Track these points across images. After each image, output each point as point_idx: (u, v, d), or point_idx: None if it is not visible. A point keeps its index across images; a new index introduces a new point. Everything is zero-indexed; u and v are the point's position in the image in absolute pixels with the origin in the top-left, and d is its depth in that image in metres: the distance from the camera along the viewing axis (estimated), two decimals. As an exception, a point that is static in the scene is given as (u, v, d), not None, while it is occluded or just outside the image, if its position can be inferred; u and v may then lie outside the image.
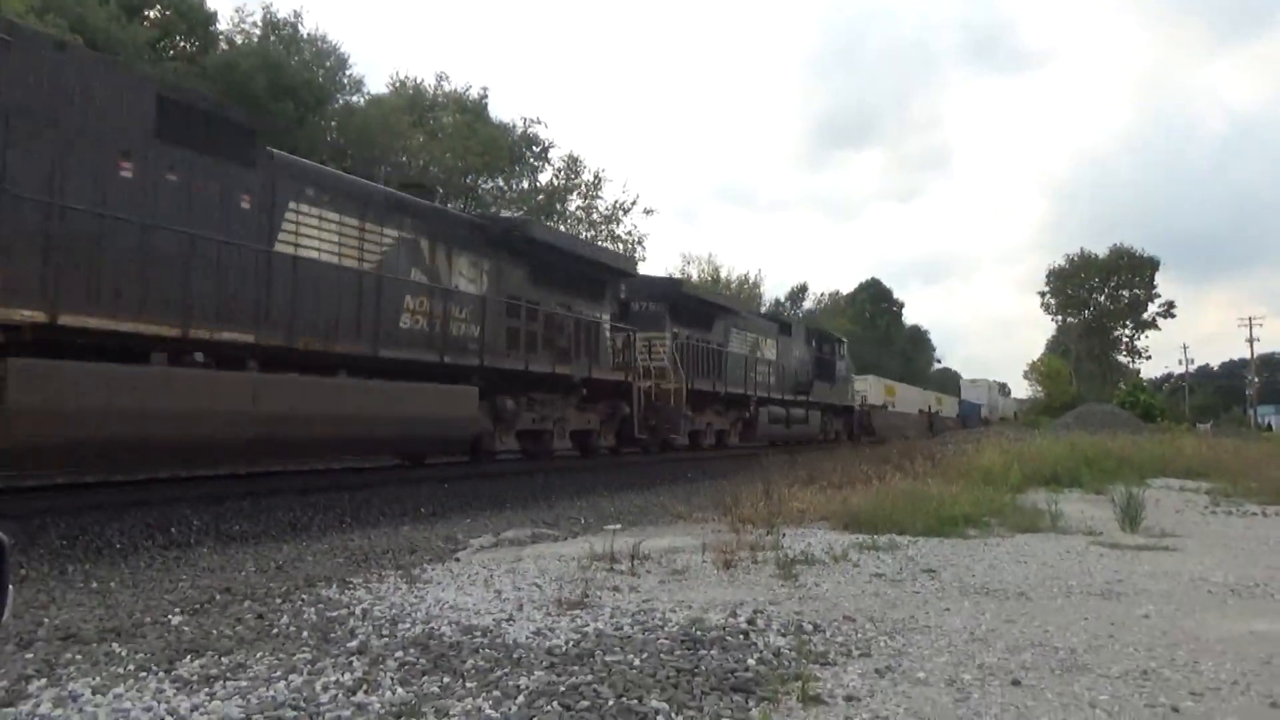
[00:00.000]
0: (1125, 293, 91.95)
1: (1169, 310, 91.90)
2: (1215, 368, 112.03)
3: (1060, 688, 4.03)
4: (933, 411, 53.36)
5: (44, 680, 4.06)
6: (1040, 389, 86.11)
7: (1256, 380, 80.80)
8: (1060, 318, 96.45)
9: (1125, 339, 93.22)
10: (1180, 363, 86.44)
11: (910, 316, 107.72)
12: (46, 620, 5.34)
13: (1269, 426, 69.42)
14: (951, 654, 4.60)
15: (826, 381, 32.47)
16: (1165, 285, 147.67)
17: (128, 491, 10.04)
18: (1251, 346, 77.52)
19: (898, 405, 42.55)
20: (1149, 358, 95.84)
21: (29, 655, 4.49)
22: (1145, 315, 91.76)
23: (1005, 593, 6.28)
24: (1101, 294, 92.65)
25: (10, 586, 1.27)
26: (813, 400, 30.84)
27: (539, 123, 46.45)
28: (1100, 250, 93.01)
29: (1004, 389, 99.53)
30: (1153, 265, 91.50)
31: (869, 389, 37.65)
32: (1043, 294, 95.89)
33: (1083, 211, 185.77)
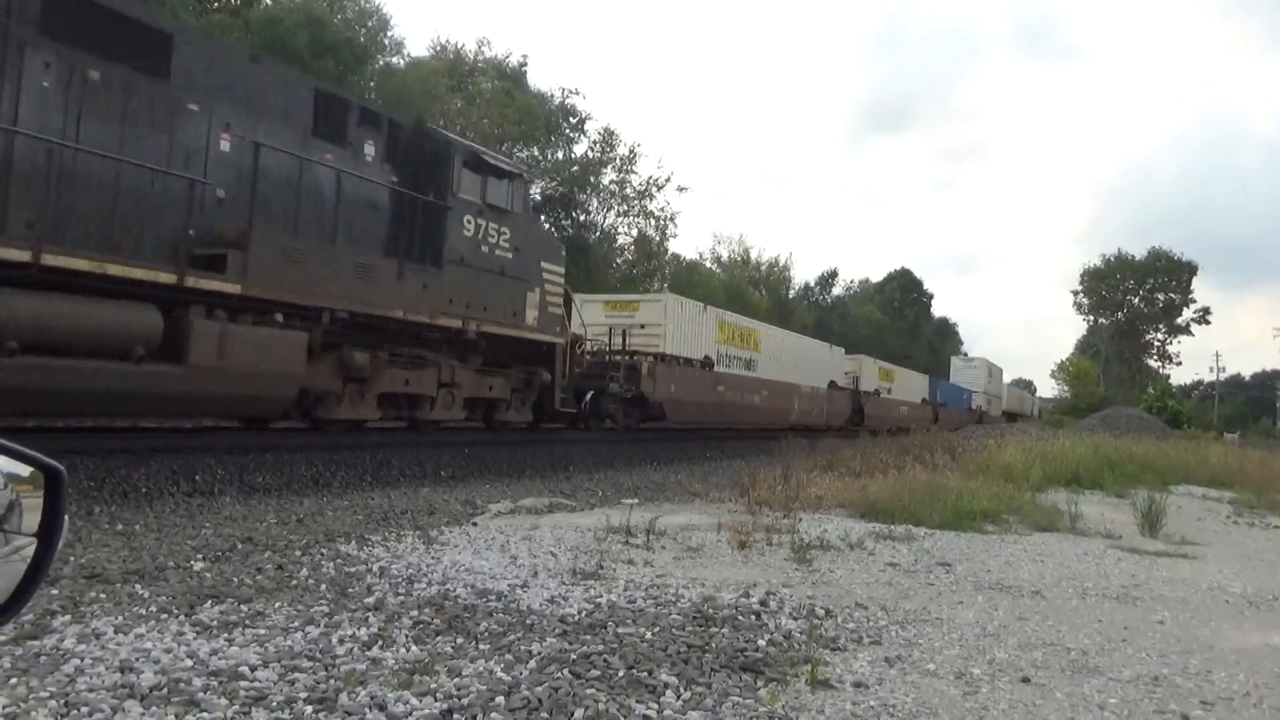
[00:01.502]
0: (1160, 296, 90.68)
1: (1204, 316, 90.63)
2: (1247, 377, 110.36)
3: (1070, 688, 4.02)
4: (939, 402, 47.98)
5: (68, 616, 4.16)
6: (1067, 389, 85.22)
7: (1288, 392, 79.51)
8: (1092, 318, 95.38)
9: (1157, 343, 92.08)
10: (1211, 370, 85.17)
11: (939, 308, 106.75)
12: (72, 559, 5.46)
13: (1298, 440, 68.38)
14: (962, 647, 4.60)
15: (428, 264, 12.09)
16: (1202, 290, 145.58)
17: (154, 438, 10.19)
18: (1286, 358, 76.20)
19: (895, 392, 37.64)
20: (1180, 363, 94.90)
21: (54, 591, 4.59)
22: (1179, 320, 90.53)
23: (1020, 590, 6.26)
24: (1136, 296, 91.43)
25: (65, 516, 1.30)
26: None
27: (577, 94, 46.46)
28: (1138, 252, 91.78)
29: (1028, 386, 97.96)
30: (1190, 270, 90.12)
31: (861, 370, 33.39)
32: (1076, 293, 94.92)
33: (1123, 210, 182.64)
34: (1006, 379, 67.17)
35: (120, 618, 4.18)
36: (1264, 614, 6.03)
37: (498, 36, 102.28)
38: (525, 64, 45.07)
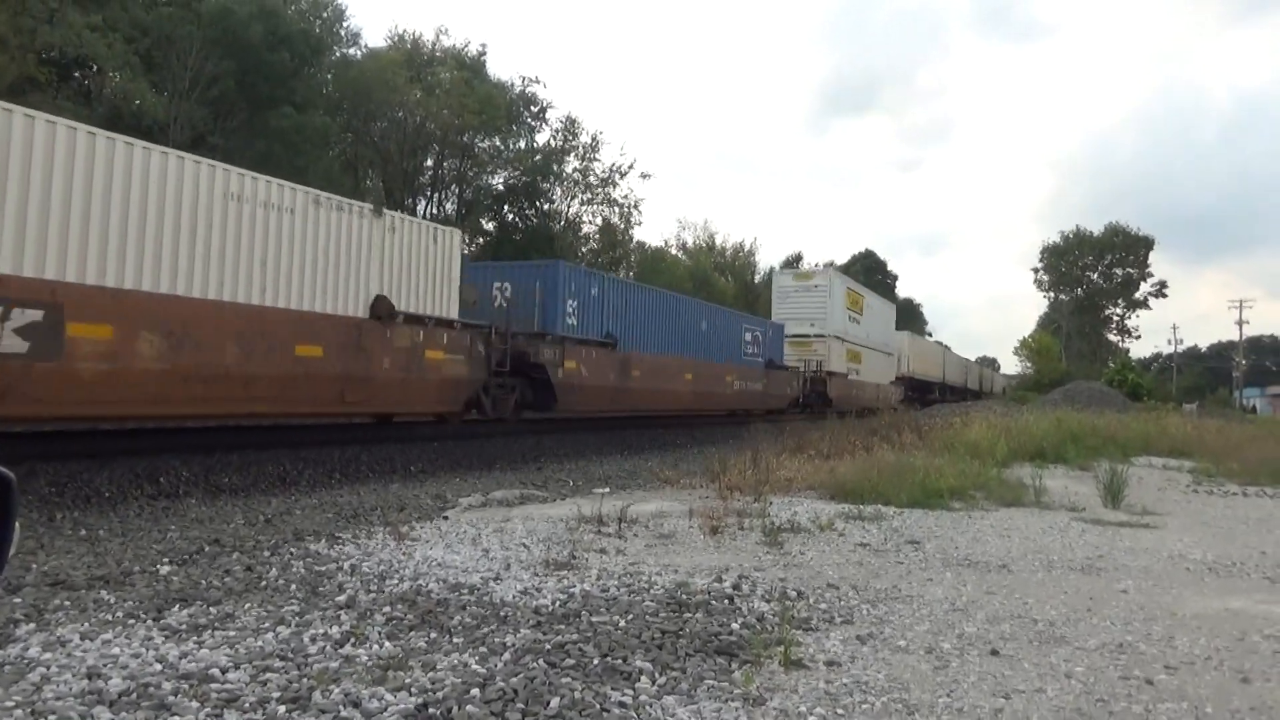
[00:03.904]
0: (1119, 271, 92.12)
1: (1161, 290, 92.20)
2: (1204, 349, 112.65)
3: (1037, 658, 4.10)
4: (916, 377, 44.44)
5: (32, 625, 4.09)
6: (1030, 365, 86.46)
7: (1244, 363, 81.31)
8: (1053, 294, 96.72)
9: (1116, 318, 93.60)
10: (1170, 343, 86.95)
11: (905, 289, 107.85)
12: (35, 566, 5.37)
13: (1253, 409, 70.00)
14: (932, 623, 4.67)
15: None
16: (1160, 265, 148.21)
17: (117, 440, 10.03)
18: (1240, 329, 77.95)
19: (864, 374, 34.62)
20: (1139, 337, 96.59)
21: (17, 600, 4.51)
22: (1137, 294, 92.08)
23: (987, 565, 6.36)
24: (1095, 272, 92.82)
25: (16, 524, 1.27)
26: None
27: (537, 82, 45.99)
28: (1096, 228, 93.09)
29: (992, 364, 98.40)
30: (1147, 244, 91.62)
31: (829, 351, 30.11)
32: (1036, 270, 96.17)
33: (1084, 187, 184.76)
34: (885, 306, 40.60)
35: (86, 624, 4.12)
36: (1223, 580, 6.18)
37: (456, 25, 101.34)
38: (484, 53, 44.70)
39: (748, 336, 24.55)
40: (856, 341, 33.26)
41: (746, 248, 71.83)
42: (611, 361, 17.04)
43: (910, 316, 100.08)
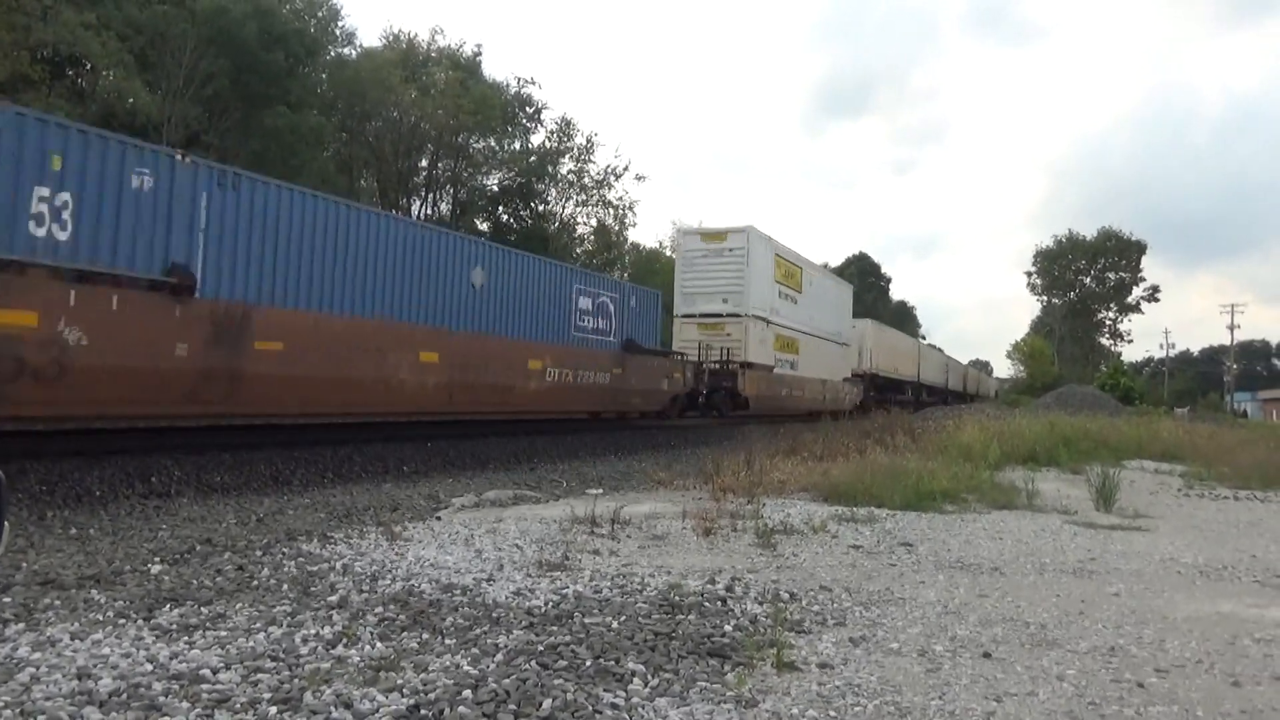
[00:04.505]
0: (1111, 275, 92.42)
1: (1153, 294, 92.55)
2: (1196, 353, 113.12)
3: (1030, 661, 4.11)
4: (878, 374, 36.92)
5: (21, 625, 4.07)
6: (1023, 369, 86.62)
7: (1235, 367, 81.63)
8: (1045, 298, 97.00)
9: (1109, 321, 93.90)
10: (1161, 347, 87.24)
11: (899, 291, 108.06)
12: (25, 565, 5.34)
13: (1244, 413, 70.30)
14: (925, 626, 4.67)
15: None
16: (1152, 269, 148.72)
17: (107, 440, 9.99)
18: (1232, 333, 78.19)
19: (803, 367, 26.97)
20: (1131, 341, 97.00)
21: (6, 599, 4.49)
22: (1130, 299, 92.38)
23: (980, 568, 6.36)
24: (1087, 276, 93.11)
25: (7, 522, 1.27)
26: None
27: (532, 83, 46.13)
28: (1089, 232, 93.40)
29: (984, 367, 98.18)
30: (1139, 249, 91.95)
31: (746, 336, 22.33)
32: (1029, 274, 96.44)
33: (1077, 190, 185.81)
34: (823, 272, 32.86)
35: (76, 624, 4.10)
36: (1214, 583, 6.19)
37: (451, 25, 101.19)
38: (480, 53, 44.74)
39: (584, 304, 16.46)
40: (792, 326, 25.95)
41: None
42: (172, 319, 8.94)
43: (904, 319, 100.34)
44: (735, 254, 22.55)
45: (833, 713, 3.38)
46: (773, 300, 24.28)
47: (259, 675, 3.48)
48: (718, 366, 21.74)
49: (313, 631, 4.08)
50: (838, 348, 31.47)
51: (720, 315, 22.46)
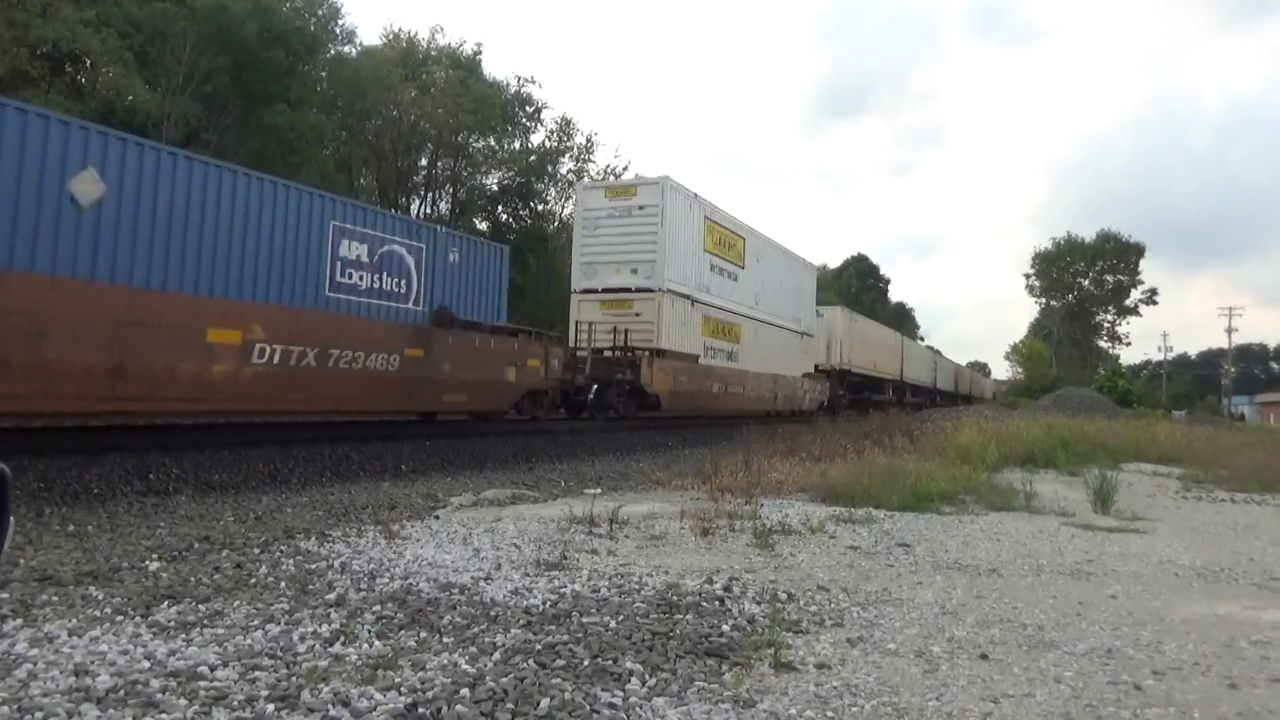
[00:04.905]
0: (1109, 278, 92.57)
1: (1152, 297, 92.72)
2: (1194, 356, 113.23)
3: (1027, 663, 4.11)
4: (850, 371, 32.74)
5: (19, 620, 4.06)
6: (1021, 371, 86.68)
7: (1233, 370, 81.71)
8: (1044, 300, 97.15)
9: (1107, 324, 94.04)
10: (1159, 349, 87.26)
11: (898, 293, 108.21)
12: (23, 561, 5.34)
13: (1242, 416, 70.38)
14: (922, 626, 4.68)
15: None
16: (1151, 271, 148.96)
17: (106, 437, 9.98)
18: (1230, 337, 78.33)
19: (746, 358, 22.50)
20: (1129, 343, 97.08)
21: (4, 595, 4.48)
22: (1128, 301, 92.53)
23: (977, 569, 6.37)
24: (1086, 278, 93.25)
25: (11, 518, 1.27)
26: None
27: (533, 82, 46.15)
28: (1088, 233, 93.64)
29: (983, 369, 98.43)
30: (1138, 251, 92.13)
31: (659, 316, 18.10)
32: (1028, 276, 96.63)
33: (1076, 192, 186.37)
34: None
35: (74, 620, 4.10)
36: (1211, 585, 6.20)
37: (451, 24, 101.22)
38: (480, 52, 44.77)
39: (353, 251, 11.55)
40: (730, 308, 21.54)
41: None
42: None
43: (903, 320, 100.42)
44: (648, 213, 18.08)
45: (830, 713, 3.38)
46: (700, 274, 19.92)
47: (257, 673, 3.48)
48: (612, 354, 17.52)
49: (310, 629, 4.08)
50: (796, 338, 27.09)
51: (628, 290, 18.07)
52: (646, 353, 17.79)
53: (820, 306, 31.63)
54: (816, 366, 29.84)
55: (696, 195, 19.81)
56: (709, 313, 20.48)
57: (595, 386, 17.16)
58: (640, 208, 18.17)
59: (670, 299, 18.39)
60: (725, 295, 21.39)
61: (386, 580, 5.16)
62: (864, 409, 28.47)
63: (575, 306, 18.68)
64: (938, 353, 61.71)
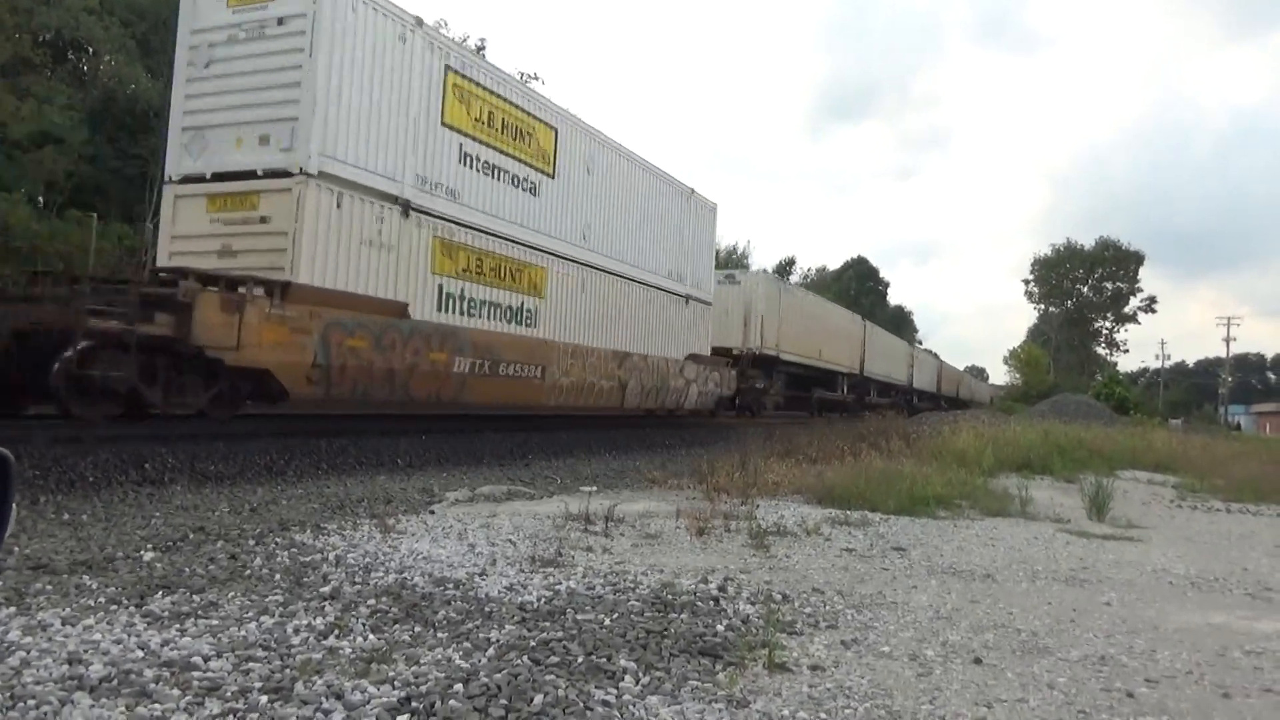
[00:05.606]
0: (1109, 285, 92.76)
1: (1150, 305, 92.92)
2: (1191, 365, 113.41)
3: (1020, 668, 4.11)
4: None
5: (13, 609, 4.05)
6: (1018, 376, 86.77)
7: (1230, 380, 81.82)
8: (1043, 306, 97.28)
9: (1105, 331, 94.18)
10: (1157, 358, 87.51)
11: (897, 296, 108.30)
12: (17, 549, 5.33)
13: (1238, 426, 70.50)
14: (916, 630, 4.68)
15: None
16: (1150, 280, 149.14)
17: (101, 426, 9.95)
18: (1228, 346, 78.48)
19: (549, 321, 14.79)
20: (1127, 351, 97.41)
21: (-2, 583, 4.48)
22: (1126, 309, 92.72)
23: (972, 574, 6.37)
24: (1085, 285, 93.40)
25: (14, 504, 1.26)
26: None
27: (536, 78, 45.89)
28: (1089, 241, 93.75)
29: (980, 374, 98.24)
30: (1138, 259, 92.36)
31: (302, 213, 9.86)
32: (1027, 282, 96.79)
33: (1078, 200, 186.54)
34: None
35: (68, 609, 4.09)
36: (1205, 594, 6.21)
37: (455, 20, 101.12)
38: (483, 47, 44.64)
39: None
40: (520, 236, 13.78)
41: (740, 250, 71.78)
42: None
43: (902, 323, 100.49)
44: (291, 29, 10.16)
45: (823, 714, 3.38)
46: (433, 162, 11.92)
47: (250, 664, 3.47)
48: (140, 294, 8.67)
49: (305, 622, 4.07)
50: (676, 302, 19.25)
51: (253, 175, 10.27)
52: (269, 286, 9.45)
53: (736, 270, 25.11)
54: (729, 349, 22.56)
55: (421, 22, 11.63)
56: (460, 235, 12.53)
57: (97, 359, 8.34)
58: (280, 21, 10.22)
59: (327, 190, 10.27)
60: (506, 212, 13.52)
61: (381, 574, 5.15)
62: (807, 409, 22.65)
63: (173, 209, 10.94)
64: (919, 349, 57.81)
